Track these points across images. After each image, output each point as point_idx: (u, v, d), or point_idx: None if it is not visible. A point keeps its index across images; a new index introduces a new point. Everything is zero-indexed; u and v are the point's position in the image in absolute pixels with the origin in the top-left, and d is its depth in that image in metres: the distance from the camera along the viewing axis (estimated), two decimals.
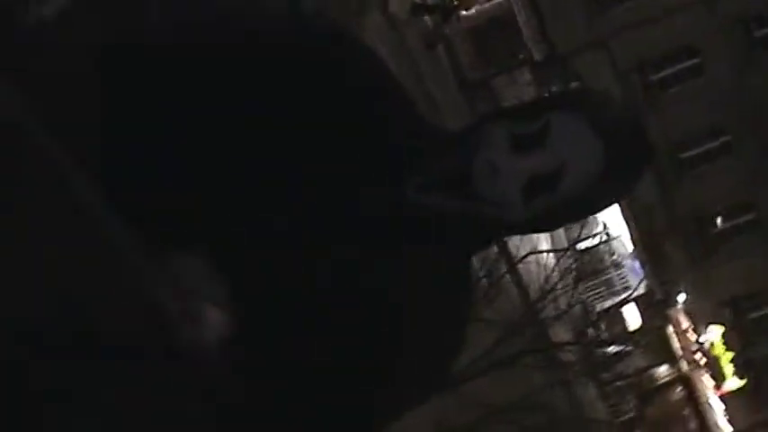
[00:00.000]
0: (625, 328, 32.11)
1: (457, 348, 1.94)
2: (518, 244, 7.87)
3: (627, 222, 33.46)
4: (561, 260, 8.15)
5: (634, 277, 33.25)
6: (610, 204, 1.95)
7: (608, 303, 34.64)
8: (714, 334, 33.15)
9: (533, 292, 7.44)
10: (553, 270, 7.66)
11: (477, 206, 1.80)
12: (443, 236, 1.84)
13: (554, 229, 1.96)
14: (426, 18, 26.46)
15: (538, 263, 7.64)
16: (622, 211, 33.12)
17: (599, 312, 29.79)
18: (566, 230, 34.62)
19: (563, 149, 1.79)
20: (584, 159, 1.80)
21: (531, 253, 7.65)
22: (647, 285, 32.53)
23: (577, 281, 8.39)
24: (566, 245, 11.07)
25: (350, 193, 1.78)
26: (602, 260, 30.90)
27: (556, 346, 7.44)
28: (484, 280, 6.99)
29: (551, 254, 7.94)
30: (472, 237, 1.90)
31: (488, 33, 31.98)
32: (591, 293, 30.04)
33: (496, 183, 1.78)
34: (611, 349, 17.41)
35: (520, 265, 7.51)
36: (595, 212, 1.95)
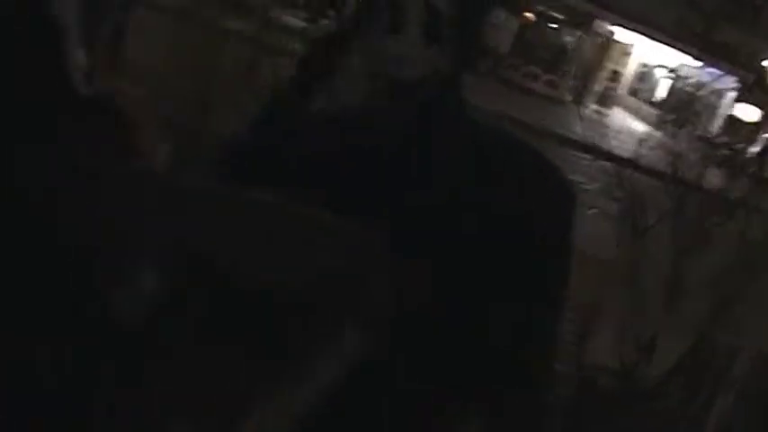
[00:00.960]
0: (749, 126, 31.75)
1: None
2: (620, 146, 7.90)
3: (678, 49, 33.19)
4: (664, 127, 8.14)
5: (720, 83, 32.95)
6: None
7: (719, 120, 34.29)
8: None
9: (668, 171, 7.44)
10: (665, 142, 7.65)
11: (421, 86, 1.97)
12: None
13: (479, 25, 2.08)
14: None
15: (651, 148, 7.64)
16: (667, 43, 32.89)
17: (717, 134, 29.47)
18: (645, 102, 34.26)
19: None
20: None
21: (636, 144, 7.67)
22: (735, 80, 32.16)
23: (688, 128, 8.41)
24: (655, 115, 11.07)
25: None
26: (687, 94, 30.66)
27: (718, 192, 7.41)
28: (621, 193, 7.01)
29: (656, 132, 7.94)
30: (448, 101, 2.04)
31: None
32: (701, 125, 29.70)
33: (409, 65, 1.95)
34: (754, 150, 17.22)
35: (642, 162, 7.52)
36: None
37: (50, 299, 1.57)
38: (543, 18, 34.33)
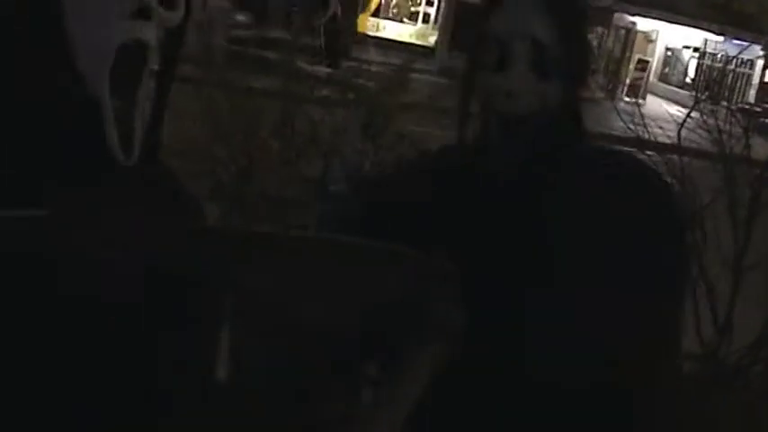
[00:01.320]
0: None
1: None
2: (661, 133, 7.85)
3: (700, 27, 33.05)
4: (700, 106, 8.08)
5: (748, 52, 32.74)
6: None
7: (753, 89, 34.05)
8: None
9: (713, 149, 7.40)
10: (705, 121, 7.60)
11: (533, 130, 2.06)
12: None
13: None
14: None
15: (691, 131, 7.58)
16: (688, 23, 32.76)
17: (755, 102, 29.27)
18: (677, 85, 34.14)
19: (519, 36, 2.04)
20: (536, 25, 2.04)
21: (679, 129, 7.61)
22: (762, 47, 31.91)
23: (725, 102, 8.37)
24: (687, 102, 11.03)
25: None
26: (717, 69, 30.47)
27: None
28: (672, 180, 6.97)
29: (693, 113, 7.88)
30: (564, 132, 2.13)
31: None
32: (737, 97, 29.54)
33: (521, 97, 2.03)
34: None
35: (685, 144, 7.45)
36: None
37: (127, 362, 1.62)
38: None
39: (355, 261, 1.68)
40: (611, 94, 32.45)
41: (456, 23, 33.78)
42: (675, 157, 7.21)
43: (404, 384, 1.69)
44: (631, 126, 7.71)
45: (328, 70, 13.93)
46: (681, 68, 37.16)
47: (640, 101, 30.77)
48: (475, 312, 1.90)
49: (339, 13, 26.25)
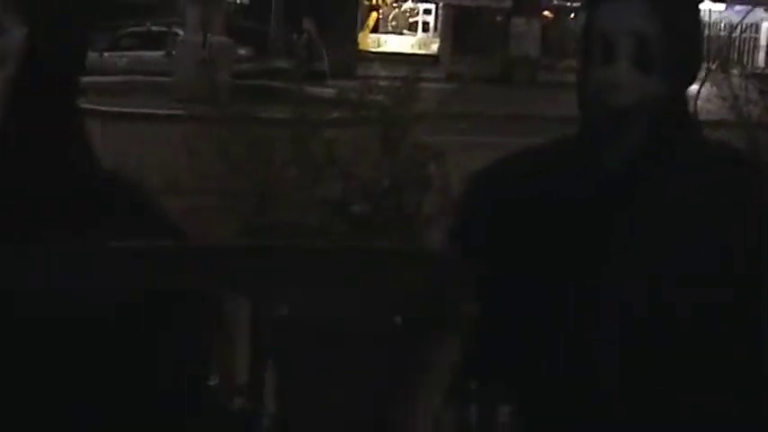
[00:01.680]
0: None
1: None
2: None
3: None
4: (711, 76, 8.05)
5: (751, 16, 32.70)
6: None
7: (762, 52, 33.97)
8: None
9: (731, 117, 7.36)
10: (719, 90, 7.58)
11: (641, 116, 2.03)
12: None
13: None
14: None
15: (707, 100, 7.54)
16: None
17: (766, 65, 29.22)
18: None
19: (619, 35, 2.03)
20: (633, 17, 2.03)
21: (695, 100, 7.56)
22: (765, 9, 31.88)
23: (735, 70, 8.30)
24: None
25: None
26: (722, 38, 30.43)
27: None
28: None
29: (706, 84, 7.84)
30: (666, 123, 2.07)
31: None
32: (747, 62, 29.43)
33: (621, 93, 2.01)
34: None
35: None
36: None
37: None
38: (562, 12, 34.29)
39: (372, 261, 1.75)
40: None
41: (456, 28, 33.83)
42: None
43: (427, 374, 1.74)
44: None
45: (333, 90, 13.95)
46: None
47: None
48: (570, 299, 1.99)
49: (314, 35, 26.33)
